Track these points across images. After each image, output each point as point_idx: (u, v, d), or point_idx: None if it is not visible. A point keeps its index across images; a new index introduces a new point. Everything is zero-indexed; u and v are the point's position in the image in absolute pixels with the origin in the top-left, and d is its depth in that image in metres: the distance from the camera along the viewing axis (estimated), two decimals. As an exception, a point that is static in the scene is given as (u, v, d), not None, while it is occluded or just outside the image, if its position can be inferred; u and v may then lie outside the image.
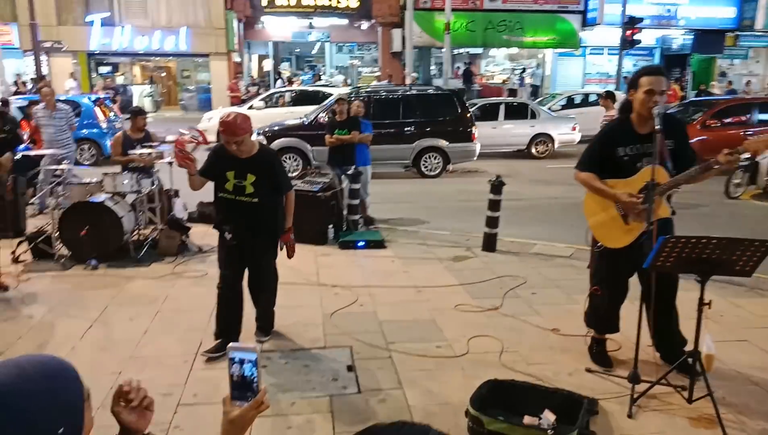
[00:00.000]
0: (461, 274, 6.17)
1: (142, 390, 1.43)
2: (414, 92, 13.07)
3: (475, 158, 12.80)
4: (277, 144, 11.68)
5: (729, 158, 3.36)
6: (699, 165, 3.59)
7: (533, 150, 14.88)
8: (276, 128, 12.61)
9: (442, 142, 12.39)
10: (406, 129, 12.32)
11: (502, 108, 15.11)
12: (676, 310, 4.05)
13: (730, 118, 12.98)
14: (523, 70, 26.75)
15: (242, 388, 1.41)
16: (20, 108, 12.73)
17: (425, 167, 12.50)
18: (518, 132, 14.85)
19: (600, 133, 4.17)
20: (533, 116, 15.02)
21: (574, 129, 15.06)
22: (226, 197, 4.25)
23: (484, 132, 14.52)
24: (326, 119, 12.20)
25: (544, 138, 14.88)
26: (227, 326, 4.41)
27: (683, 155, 3.78)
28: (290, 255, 4.53)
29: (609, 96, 9.79)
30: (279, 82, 25.03)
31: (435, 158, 12.53)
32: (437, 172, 12.53)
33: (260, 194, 4.21)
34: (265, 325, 4.64)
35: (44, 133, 8.70)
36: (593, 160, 3.97)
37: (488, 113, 15.02)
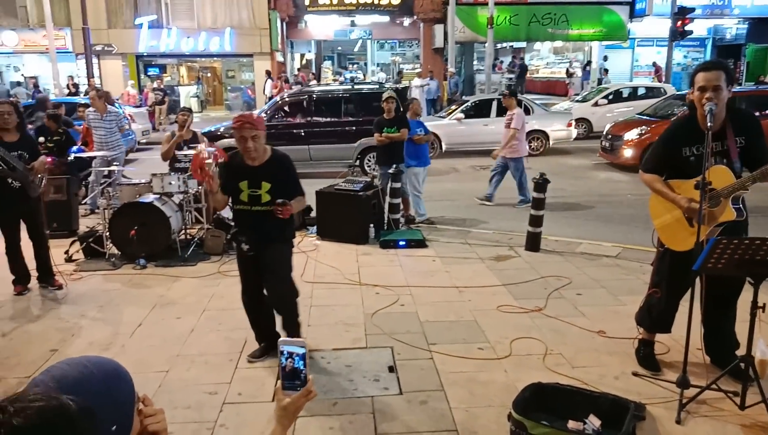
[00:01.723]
0: (504, 274, 6.10)
1: (155, 416, 1.38)
2: (356, 91, 12.92)
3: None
4: (219, 144, 11.05)
5: None
6: (762, 168, 3.40)
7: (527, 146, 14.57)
8: (221, 128, 12.46)
9: None
10: (348, 128, 12.13)
11: (494, 104, 14.78)
12: (735, 312, 3.92)
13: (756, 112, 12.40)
14: (588, 63, 26.09)
15: (292, 378, 1.59)
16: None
17: (368, 166, 12.15)
18: None
19: (664, 132, 4.00)
20: (527, 112, 14.71)
21: (569, 125, 14.79)
22: (242, 209, 4.07)
23: (475, 129, 14.40)
24: (265, 119, 12.22)
25: (538, 134, 14.59)
26: (262, 332, 4.42)
27: (756, 154, 3.60)
28: (285, 213, 3.89)
29: (512, 95, 9.60)
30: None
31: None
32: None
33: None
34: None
35: (95, 135, 8.97)
36: (657, 161, 3.87)
37: (481, 109, 14.79)
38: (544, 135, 14.63)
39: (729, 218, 3.59)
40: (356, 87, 13.61)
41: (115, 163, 7.94)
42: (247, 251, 4.13)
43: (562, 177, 11.11)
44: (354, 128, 12.14)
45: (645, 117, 13.07)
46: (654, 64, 26.02)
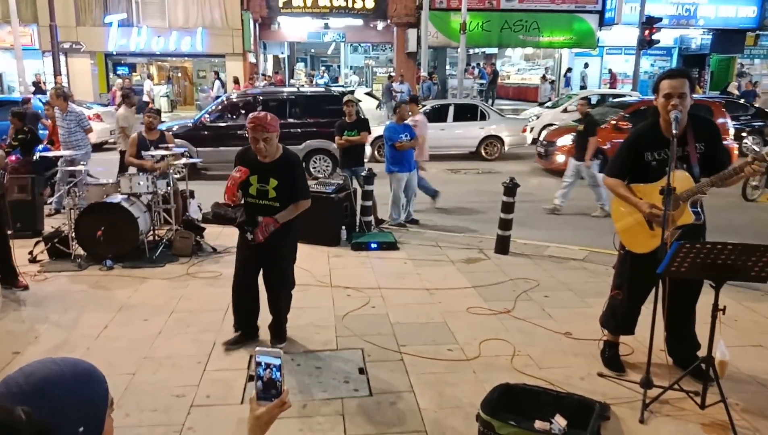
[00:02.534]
0: (474, 276, 6.16)
1: None
2: (302, 93, 12.96)
3: (366, 160, 12.58)
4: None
5: (754, 168, 3.28)
6: (720, 173, 3.50)
7: (482, 151, 14.79)
8: (174, 126, 12.41)
9: (331, 145, 11.34)
10: (293, 130, 12.03)
11: (451, 109, 14.95)
12: (695, 314, 4.03)
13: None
14: (569, 70, 26.36)
15: (267, 388, 1.57)
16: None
17: (315, 169, 12.22)
18: (468, 134, 14.73)
19: (627, 138, 4.12)
20: (483, 117, 14.94)
21: (524, 130, 15.06)
22: (250, 201, 4.30)
23: (432, 134, 14.53)
24: (209, 120, 12.26)
25: (494, 140, 14.81)
26: (244, 317, 4.52)
27: (714, 160, 3.70)
28: (257, 237, 4.19)
29: (413, 100, 9.81)
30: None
31: (324, 160, 12.27)
32: (327, 174, 12.01)
33: (283, 199, 4.24)
34: (279, 332, 4.59)
35: (59, 135, 8.78)
36: (621, 166, 3.95)
37: (439, 114, 14.87)
38: (500, 140, 14.83)
39: (687, 221, 3.68)
40: (303, 89, 13.68)
41: (81, 163, 7.79)
42: (251, 241, 4.28)
43: (490, 183, 11.40)
44: (300, 130, 12.09)
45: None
46: (610, 71, 26.57)
